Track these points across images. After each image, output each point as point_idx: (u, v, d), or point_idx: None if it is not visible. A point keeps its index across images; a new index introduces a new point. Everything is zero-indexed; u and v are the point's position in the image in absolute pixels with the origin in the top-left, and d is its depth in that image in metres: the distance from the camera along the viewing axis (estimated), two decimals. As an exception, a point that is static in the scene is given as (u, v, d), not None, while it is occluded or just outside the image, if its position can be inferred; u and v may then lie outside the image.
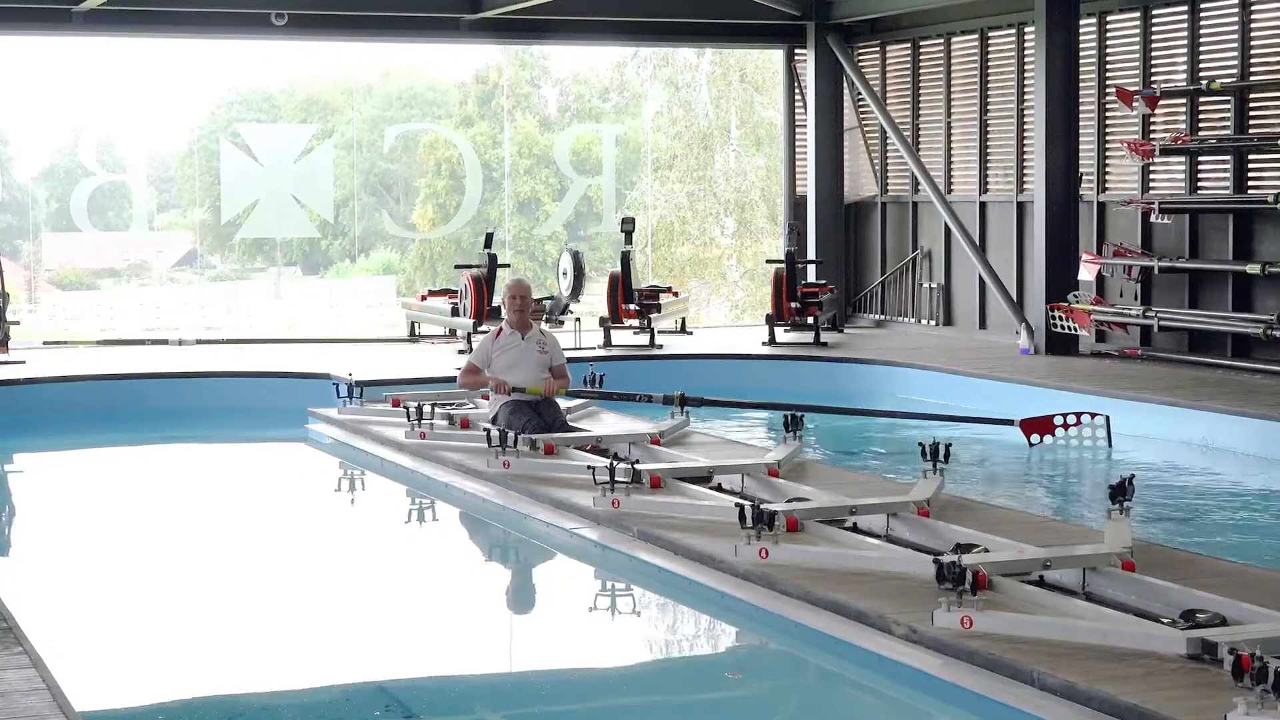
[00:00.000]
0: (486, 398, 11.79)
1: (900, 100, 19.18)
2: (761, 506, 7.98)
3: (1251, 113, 14.97)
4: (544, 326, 12.37)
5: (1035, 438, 11.96)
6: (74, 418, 14.36)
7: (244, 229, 26.32)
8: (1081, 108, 16.22)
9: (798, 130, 20.37)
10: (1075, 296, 15.89)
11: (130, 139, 30.48)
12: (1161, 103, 15.47)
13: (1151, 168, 15.82)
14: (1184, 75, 15.45)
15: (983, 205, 18.01)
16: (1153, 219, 15.35)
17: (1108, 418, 11.89)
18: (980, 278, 17.70)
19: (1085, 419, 12.17)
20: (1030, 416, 12.07)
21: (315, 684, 7.10)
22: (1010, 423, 11.88)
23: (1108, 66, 16.36)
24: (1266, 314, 14.49)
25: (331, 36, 19.69)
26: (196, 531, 10.38)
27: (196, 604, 8.36)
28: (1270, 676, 5.27)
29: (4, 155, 31.11)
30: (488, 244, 17.87)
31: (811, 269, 19.05)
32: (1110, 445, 11.74)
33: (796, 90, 20.34)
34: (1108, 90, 16.25)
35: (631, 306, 17.38)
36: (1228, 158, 15.08)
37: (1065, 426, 12.13)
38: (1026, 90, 17.06)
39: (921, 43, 18.85)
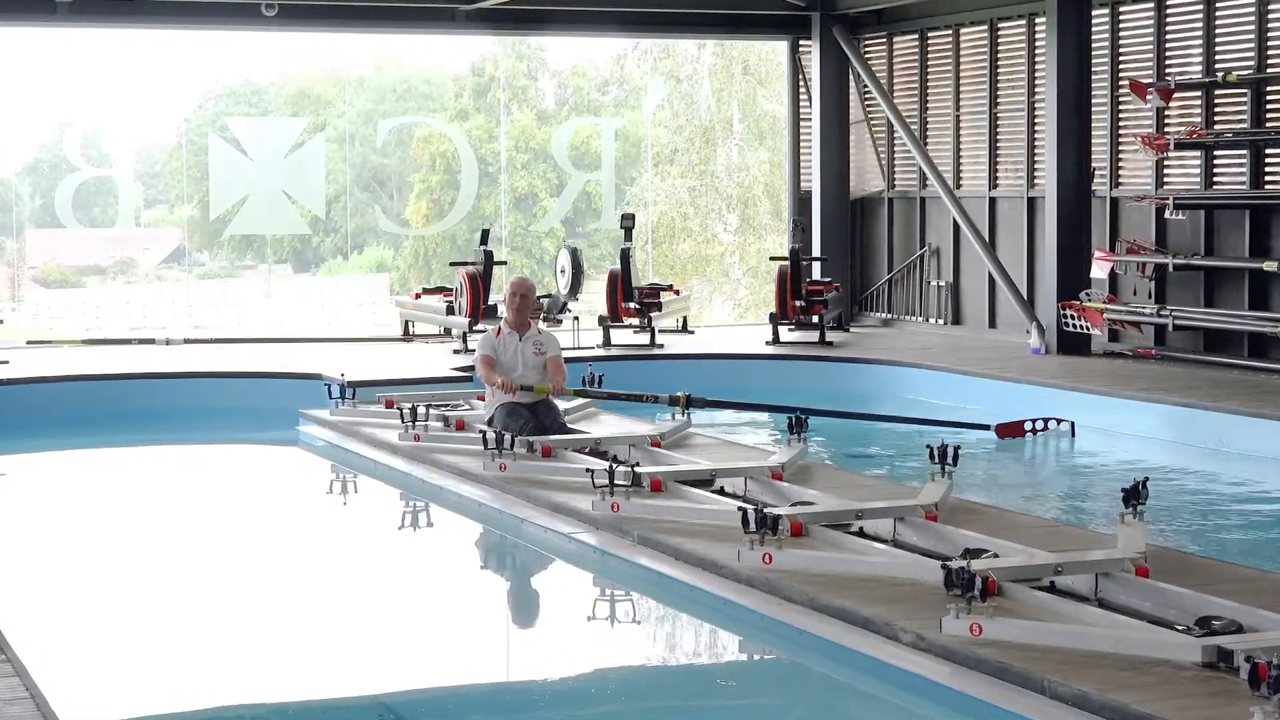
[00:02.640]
0: (482, 398, 11.79)
1: (908, 93, 19.19)
2: (765, 510, 7.98)
3: (1269, 106, 14.97)
4: (542, 326, 12.37)
5: (1008, 440, 12.68)
6: (58, 419, 14.35)
7: (233, 225, 26.34)
8: (1094, 101, 16.23)
9: (802, 124, 20.38)
10: (1087, 295, 15.89)
11: (116, 133, 30.50)
12: (1176, 95, 15.46)
13: (1166, 162, 15.81)
14: (1199, 67, 15.45)
15: (992, 201, 18.01)
16: (1167, 215, 15.35)
17: (1073, 423, 13.02)
18: (990, 275, 17.70)
19: (1052, 424, 13.14)
20: (1004, 422, 12.89)
21: (308, 695, 7.10)
22: (986, 428, 12.41)
23: (1121, 58, 16.36)
24: (1284, 313, 14.50)
25: (323, 27, 19.69)
26: (185, 537, 10.38)
27: (185, 612, 8.35)
28: (1288, 685, 5.27)
29: (-13, 150, 31.13)
30: (484, 241, 17.87)
31: (816, 266, 19.06)
32: (1073, 439, 12.90)
33: (801, 83, 20.35)
34: (1121, 83, 16.24)
35: (631, 305, 17.38)
36: (1244, 152, 15.08)
37: (1034, 431, 13.10)
38: (1037, 83, 17.06)
39: (929, 34, 18.85)
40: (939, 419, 12.85)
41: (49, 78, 29.56)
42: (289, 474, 13.07)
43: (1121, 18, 16.29)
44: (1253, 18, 14.96)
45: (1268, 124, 14.92)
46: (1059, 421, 13.14)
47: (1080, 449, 12.79)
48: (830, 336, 17.55)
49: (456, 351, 16.47)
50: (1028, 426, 13.01)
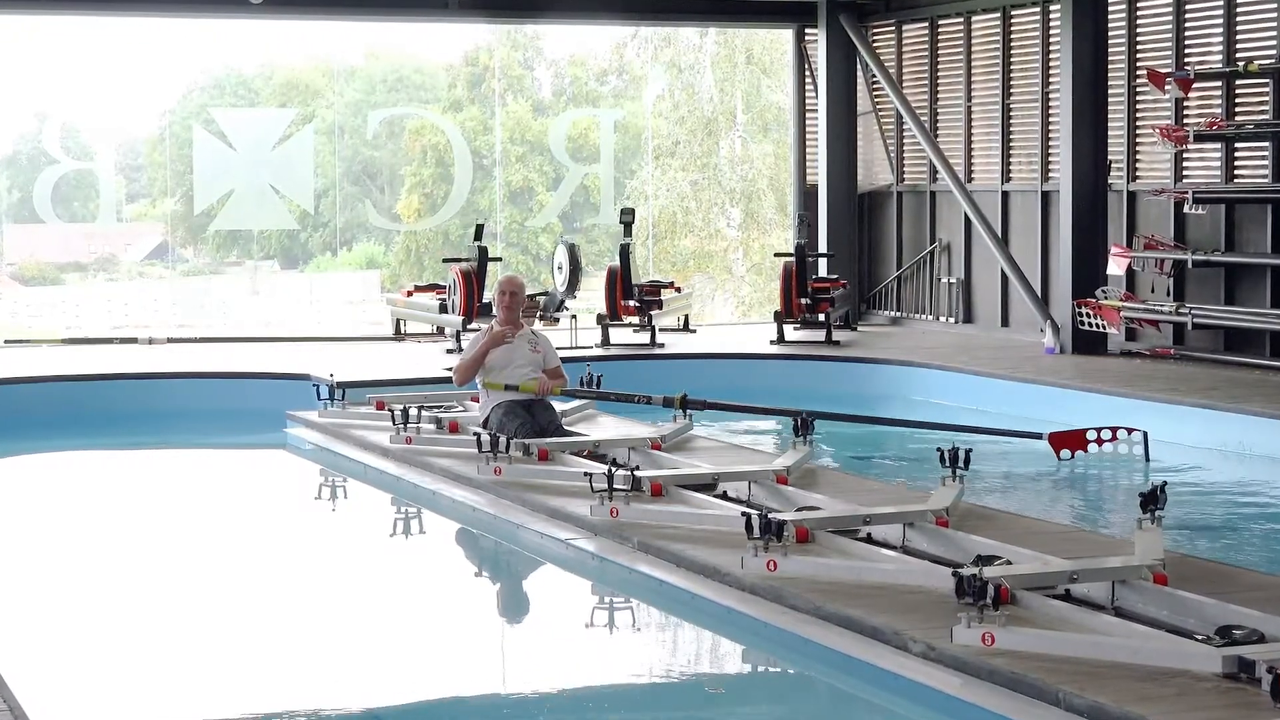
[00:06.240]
0: (477, 399, 11.79)
1: (917, 83, 19.19)
2: (769, 516, 7.98)
3: (1291, 96, 14.99)
4: (536, 326, 12.37)
5: (1065, 453, 11.80)
6: (38, 421, 14.35)
7: (218, 220, 26.33)
8: (1110, 91, 16.23)
9: (808, 115, 20.38)
10: (1104, 292, 15.89)
11: (97, 125, 30.49)
12: (1195, 85, 15.46)
13: (1185, 155, 15.81)
14: (1219, 56, 15.45)
15: (1005, 195, 18.01)
16: (1186, 209, 15.35)
17: (1145, 434, 11.67)
18: (1002, 272, 17.70)
19: (1121, 434, 11.93)
20: (1060, 430, 11.92)
21: (297, 706, 7.10)
22: (1039, 436, 11.79)
23: (1138, 47, 16.36)
24: (1307, 311, 14.50)
25: (312, 15, 19.69)
26: (169, 543, 10.38)
27: (170, 621, 8.35)
28: (1311, 697, 5.27)
29: (-37, 142, 31.15)
30: (478, 236, 17.87)
31: (823, 263, 19.06)
32: (1148, 462, 11.63)
33: (806, 72, 20.35)
34: (1138, 72, 16.25)
35: (631, 303, 17.38)
36: (1266, 144, 15.08)
37: (1099, 442, 11.82)
38: (1052, 72, 17.06)
39: (940, 22, 18.85)
40: (983, 427, 12.36)
41: (28, 67, 29.55)
42: (276, 478, 13.07)
43: (1139, 5, 16.29)
44: (1275, 5, 14.96)
45: (1290, 115, 14.93)
46: (1129, 431, 11.76)
47: (1104, 464, 12.45)
48: (837, 335, 17.55)
49: (450, 351, 16.47)
50: (1090, 436, 11.75)
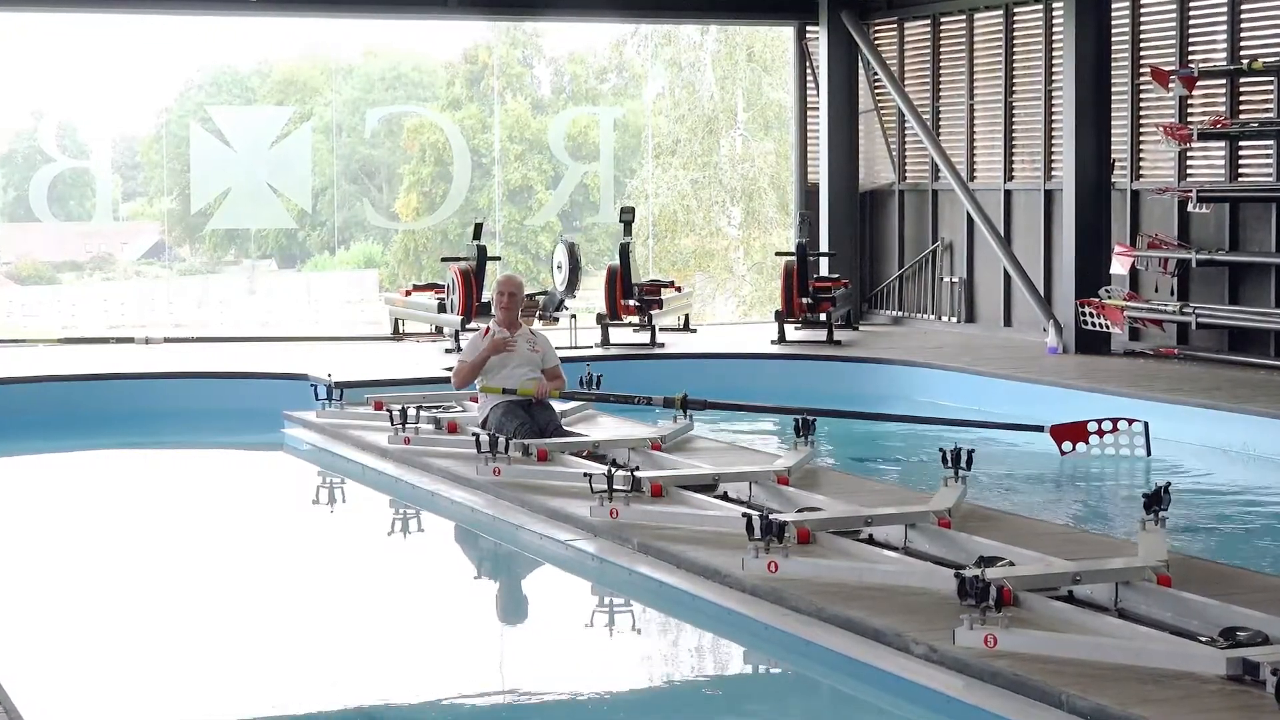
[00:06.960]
0: (475, 399, 11.79)
1: (919, 81, 19.19)
2: (770, 517, 7.97)
3: (1296, 94, 14.99)
4: (535, 326, 12.36)
5: (1067, 446, 11.76)
6: (33, 422, 14.35)
7: (215, 219, 26.37)
8: (1114, 89, 16.23)
9: (809, 113, 20.38)
10: (1107, 291, 15.89)
11: (94, 123, 30.50)
12: (1199, 83, 15.46)
13: (1189, 153, 15.81)
14: (1223, 54, 15.45)
15: (1008, 193, 18.01)
16: (1190, 208, 15.35)
17: (1146, 424, 11.71)
18: (1005, 271, 17.70)
19: (1122, 425, 11.94)
20: (1061, 423, 11.94)
21: (293, 709, 7.10)
22: (1040, 429, 11.77)
23: (1142, 44, 16.36)
24: (1312, 310, 14.50)
25: (309, 13, 19.70)
26: (166, 545, 10.38)
27: (166, 624, 8.35)
28: (1316, 699, 5.27)
29: (-42, 140, 31.16)
30: (477, 235, 17.87)
31: (824, 262, 19.06)
32: (1149, 454, 11.67)
33: (808, 70, 20.35)
34: (1142, 70, 16.25)
35: (631, 302, 17.38)
36: (1270, 142, 15.07)
37: (1100, 434, 11.84)
38: (1055, 70, 17.06)
39: (942, 19, 18.85)
40: (983, 421, 12.39)
41: (24, 66, 29.57)
42: (273, 479, 13.07)
43: (1142, 2, 16.28)
44: (1279, 2, 14.96)
45: (1295, 113, 14.93)
46: (1130, 422, 11.56)
47: (1105, 456, 12.39)
48: (838, 335, 17.56)
49: (449, 351, 16.47)
50: (1091, 428, 11.54)
